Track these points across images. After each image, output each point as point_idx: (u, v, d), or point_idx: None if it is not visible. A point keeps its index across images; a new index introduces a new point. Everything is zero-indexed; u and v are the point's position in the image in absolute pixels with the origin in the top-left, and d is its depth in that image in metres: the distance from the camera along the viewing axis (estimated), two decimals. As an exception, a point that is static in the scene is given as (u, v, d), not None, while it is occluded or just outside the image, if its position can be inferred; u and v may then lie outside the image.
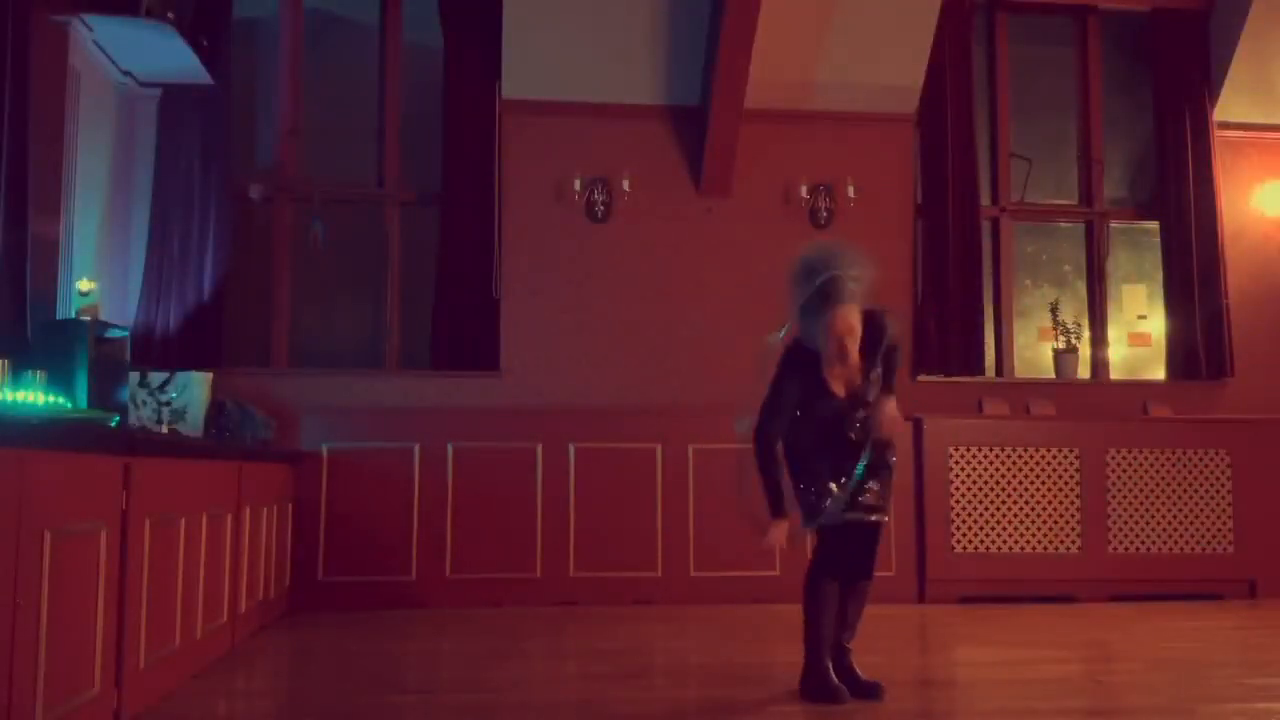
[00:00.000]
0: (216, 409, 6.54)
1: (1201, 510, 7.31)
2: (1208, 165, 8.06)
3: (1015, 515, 7.19)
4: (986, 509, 7.18)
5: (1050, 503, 7.22)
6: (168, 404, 6.30)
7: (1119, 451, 7.31)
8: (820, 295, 4.00)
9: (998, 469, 7.22)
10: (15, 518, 2.83)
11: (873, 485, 4.21)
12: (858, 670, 4.22)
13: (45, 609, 2.99)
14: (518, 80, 7.46)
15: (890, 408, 4.20)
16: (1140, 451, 7.33)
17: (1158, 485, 7.30)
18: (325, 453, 6.83)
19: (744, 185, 7.61)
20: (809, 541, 4.38)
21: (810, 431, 4.23)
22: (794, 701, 4.21)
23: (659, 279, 7.54)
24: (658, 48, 7.54)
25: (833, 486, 4.17)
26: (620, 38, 7.48)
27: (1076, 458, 7.27)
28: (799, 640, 5.09)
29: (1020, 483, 7.22)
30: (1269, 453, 7.41)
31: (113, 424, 4.29)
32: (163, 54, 6.49)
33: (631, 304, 7.52)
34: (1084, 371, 8.12)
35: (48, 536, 3.01)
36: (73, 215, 6.15)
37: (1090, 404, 7.88)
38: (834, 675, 4.15)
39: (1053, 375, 8.04)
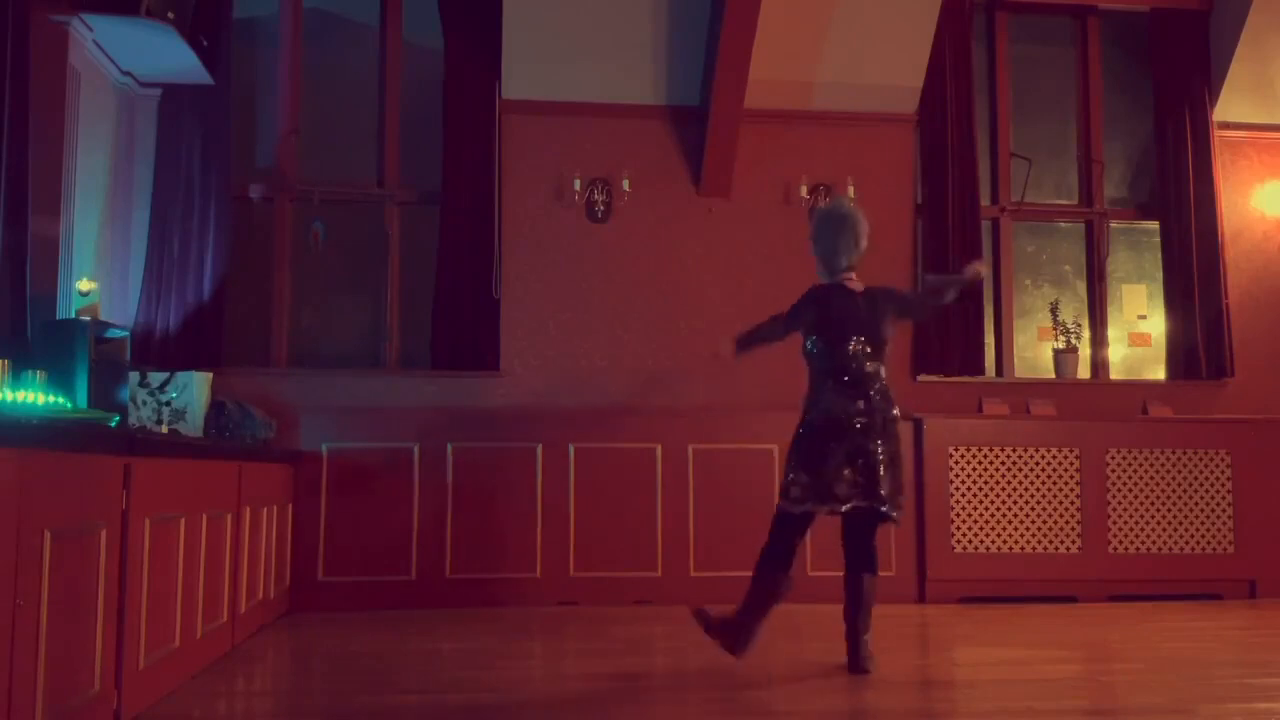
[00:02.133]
0: (216, 409, 6.54)
1: (1201, 510, 7.31)
2: (1208, 165, 8.06)
3: (1015, 515, 7.19)
4: (986, 509, 7.18)
5: (1050, 503, 7.22)
6: (168, 404, 6.30)
7: (1119, 451, 7.31)
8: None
9: (998, 469, 7.22)
10: (15, 518, 2.83)
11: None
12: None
13: (45, 609, 2.99)
14: (518, 80, 7.46)
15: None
16: (1140, 451, 7.33)
17: (1158, 485, 7.31)
18: (325, 453, 6.83)
19: (744, 185, 7.61)
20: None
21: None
22: (798, 701, 4.22)
23: (659, 279, 7.55)
24: (658, 48, 7.54)
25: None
26: (620, 38, 7.48)
27: (1076, 458, 7.28)
28: (799, 640, 5.10)
29: (1020, 483, 7.22)
30: (1269, 453, 7.41)
31: (113, 424, 4.29)
32: (163, 54, 6.49)
33: (631, 304, 7.52)
34: (1084, 371, 8.12)
35: (48, 536, 3.01)
36: (73, 215, 6.15)
37: (1090, 404, 7.88)
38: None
39: (1053, 375, 8.04)
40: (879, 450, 4.60)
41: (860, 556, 4.71)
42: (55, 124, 5.91)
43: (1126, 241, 8.40)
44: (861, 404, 4.64)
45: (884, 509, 4.60)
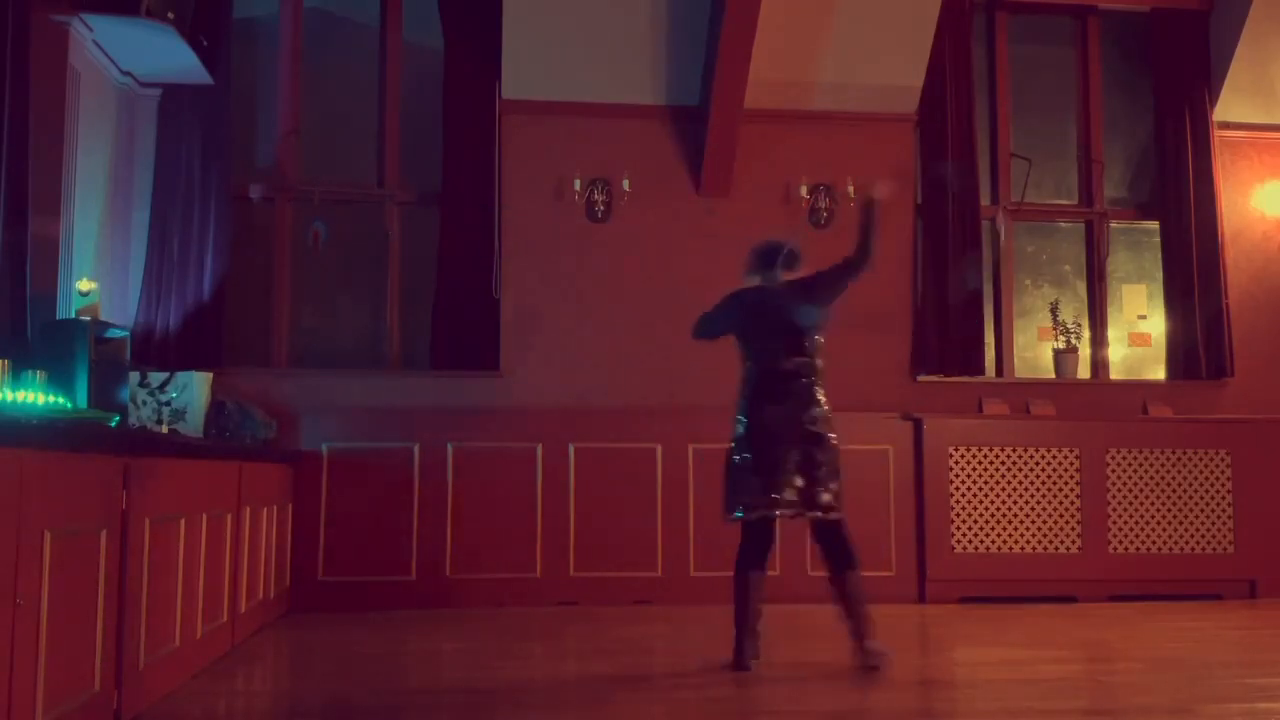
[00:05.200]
0: (216, 409, 6.54)
1: (1201, 510, 7.31)
2: (1208, 165, 8.06)
3: (1015, 515, 7.19)
4: (986, 509, 7.18)
5: (1050, 503, 7.22)
6: (168, 404, 6.30)
7: (1119, 451, 7.31)
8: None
9: (998, 469, 7.22)
10: (15, 518, 2.83)
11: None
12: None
13: (45, 609, 2.99)
14: (518, 80, 7.46)
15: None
16: (1140, 451, 7.33)
17: (1158, 485, 7.31)
18: (325, 453, 6.83)
19: (744, 185, 7.61)
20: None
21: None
22: (798, 701, 4.22)
23: (659, 279, 7.54)
24: (658, 48, 7.54)
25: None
26: (620, 38, 7.48)
27: (1076, 458, 7.28)
28: (799, 639, 5.10)
29: (1020, 483, 7.22)
30: (1269, 453, 7.41)
31: (113, 424, 4.29)
32: (163, 54, 6.49)
33: (631, 304, 7.51)
34: (1084, 371, 8.12)
35: (48, 536, 3.01)
36: (73, 215, 6.15)
37: (1090, 404, 7.88)
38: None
39: (1053, 375, 8.04)
40: (815, 458, 4.66)
41: (837, 556, 4.73)
42: (55, 124, 5.91)
43: (1126, 241, 8.40)
44: (785, 410, 4.69)
45: (827, 515, 4.68)
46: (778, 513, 4.67)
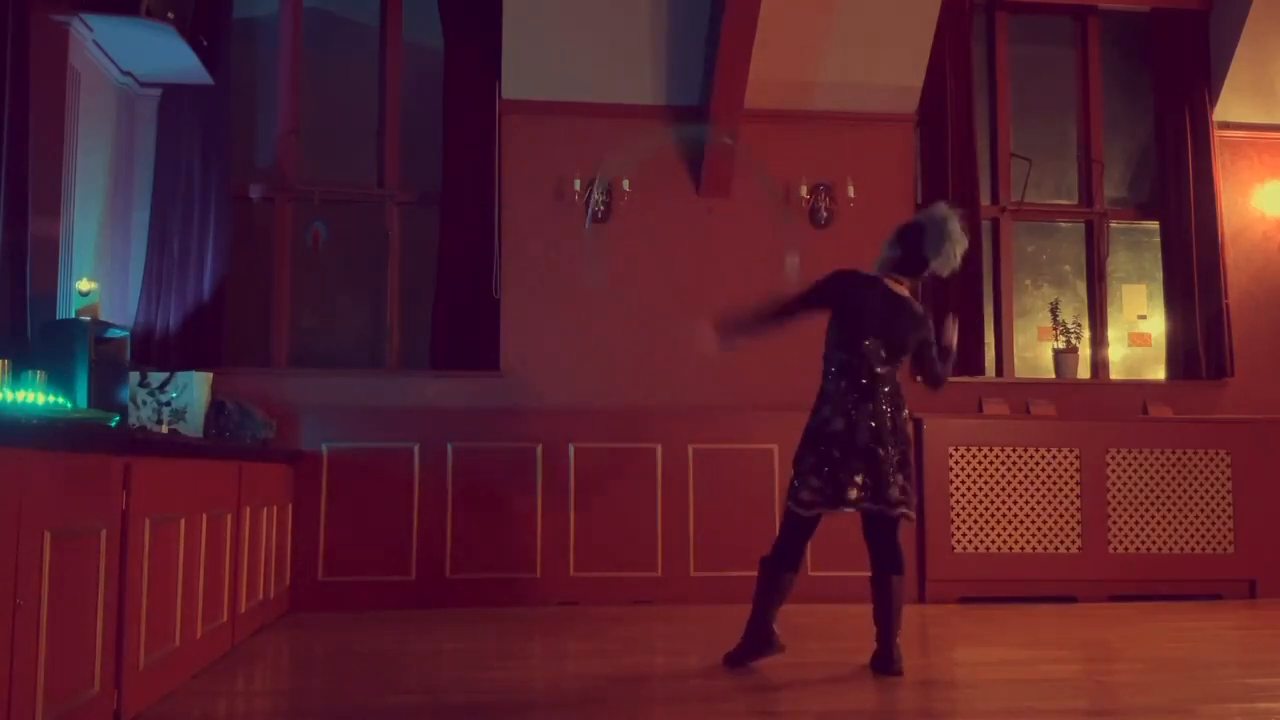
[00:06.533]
0: (216, 409, 6.54)
1: (1201, 510, 7.31)
2: (1208, 165, 8.06)
3: (1015, 515, 7.19)
4: (986, 509, 7.18)
5: (1050, 503, 7.22)
6: (168, 404, 6.29)
7: (1119, 451, 7.31)
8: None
9: (998, 469, 7.22)
10: (15, 518, 2.83)
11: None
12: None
13: (45, 609, 3.00)
14: (518, 80, 7.46)
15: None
16: (1140, 451, 7.33)
17: (1158, 485, 7.31)
18: (325, 453, 6.83)
19: (744, 185, 7.60)
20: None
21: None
22: (798, 701, 4.22)
23: (659, 279, 7.54)
24: (658, 48, 7.54)
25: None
26: (620, 38, 7.48)
27: (1076, 458, 7.28)
28: (798, 639, 5.10)
29: (1020, 483, 7.22)
30: (1269, 453, 7.41)
31: (113, 424, 4.29)
32: (163, 54, 6.49)
33: (631, 304, 7.51)
34: (1084, 371, 8.12)
35: (48, 536, 3.01)
36: (73, 215, 6.15)
37: (1090, 404, 7.88)
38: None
39: (1053, 375, 8.04)
40: (889, 453, 4.61)
41: (885, 558, 4.71)
42: (55, 124, 5.91)
43: (1126, 241, 8.40)
44: (871, 406, 4.64)
45: (893, 511, 4.64)
46: (838, 508, 4.65)
